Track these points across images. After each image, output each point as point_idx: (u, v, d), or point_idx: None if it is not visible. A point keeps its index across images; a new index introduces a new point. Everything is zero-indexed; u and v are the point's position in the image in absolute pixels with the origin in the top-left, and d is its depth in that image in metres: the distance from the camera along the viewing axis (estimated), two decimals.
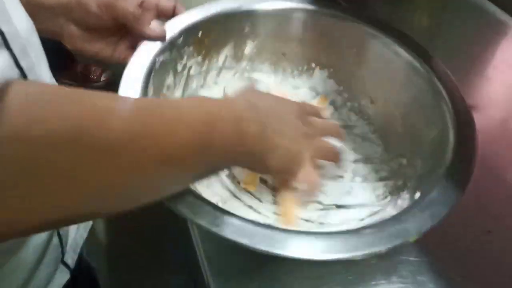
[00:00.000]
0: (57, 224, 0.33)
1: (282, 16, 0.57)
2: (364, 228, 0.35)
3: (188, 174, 0.34)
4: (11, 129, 0.22)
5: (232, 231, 0.33)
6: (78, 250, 0.51)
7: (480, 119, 0.44)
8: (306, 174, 0.42)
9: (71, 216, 0.27)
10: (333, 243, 0.33)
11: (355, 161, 0.52)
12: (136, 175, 0.29)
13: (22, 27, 0.39)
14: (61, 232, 0.47)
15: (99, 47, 0.51)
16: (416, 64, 0.50)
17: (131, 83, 0.43)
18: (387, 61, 0.53)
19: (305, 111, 0.45)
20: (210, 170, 0.37)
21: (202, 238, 0.45)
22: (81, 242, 0.51)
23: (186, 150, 0.31)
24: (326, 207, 0.47)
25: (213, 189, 0.47)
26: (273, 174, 0.45)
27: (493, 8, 0.64)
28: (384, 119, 0.54)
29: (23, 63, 0.38)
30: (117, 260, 1.21)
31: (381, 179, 0.49)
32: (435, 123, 0.45)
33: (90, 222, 0.55)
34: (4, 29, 0.35)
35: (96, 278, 0.65)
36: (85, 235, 0.53)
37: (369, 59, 0.55)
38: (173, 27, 0.51)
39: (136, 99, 0.37)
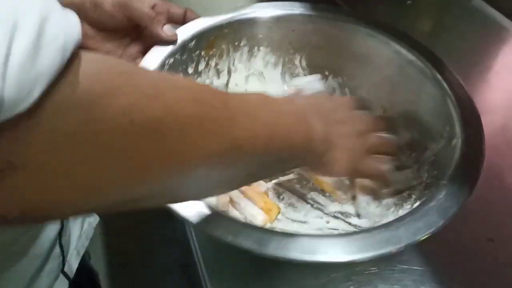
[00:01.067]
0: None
1: (294, 23, 0.57)
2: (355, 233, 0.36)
3: (252, 167, 0.31)
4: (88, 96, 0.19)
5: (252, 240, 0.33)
6: (79, 259, 0.51)
7: (485, 124, 0.44)
8: (371, 167, 0.44)
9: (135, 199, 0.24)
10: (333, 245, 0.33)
11: None
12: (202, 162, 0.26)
13: None
14: (63, 242, 0.47)
15: (109, 48, 0.52)
16: (428, 72, 0.49)
17: None
18: (400, 70, 0.53)
19: (351, 106, 0.45)
20: (274, 166, 0.35)
21: (200, 241, 0.45)
22: (82, 251, 0.51)
23: (252, 139, 0.29)
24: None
25: None
26: (337, 176, 0.46)
27: (495, 14, 0.64)
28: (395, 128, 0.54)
29: None
30: (114, 262, 1.21)
31: (387, 191, 0.48)
32: (443, 134, 0.45)
33: (92, 231, 0.55)
34: None
35: (98, 283, 0.65)
36: (86, 243, 0.53)
37: (383, 67, 0.55)
38: (185, 31, 0.51)
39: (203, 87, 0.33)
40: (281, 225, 0.46)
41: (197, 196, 0.32)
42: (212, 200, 0.46)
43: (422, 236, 0.34)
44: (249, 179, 0.35)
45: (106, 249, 1.24)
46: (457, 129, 0.43)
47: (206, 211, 0.35)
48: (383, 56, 0.54)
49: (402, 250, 0.33)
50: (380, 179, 0.47)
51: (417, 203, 0.38)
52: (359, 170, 0.43)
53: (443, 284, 0.43)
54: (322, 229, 0.45)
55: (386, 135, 0.47)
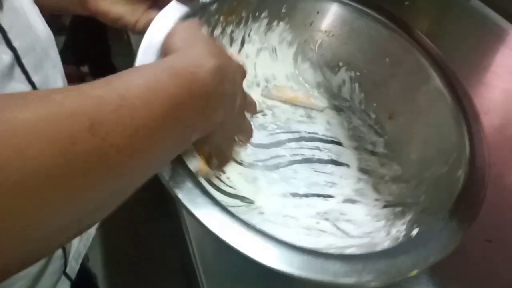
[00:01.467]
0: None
1: (321, 5, 0.55)
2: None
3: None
4: None
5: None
6: (80, 260, 0.50)
7: (483, 125, 0.45)
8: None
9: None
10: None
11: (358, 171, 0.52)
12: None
13: (40, 39, 0.38)
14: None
15: (124, 11, 0.47)
16: (444, 92, 0.49)
17: (149, 48, 0.40)
18: (418, 81, 0.52)
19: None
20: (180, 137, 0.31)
21: (197, 243, 0.44)
22: (83, 252, 0.50)
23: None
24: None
25: None
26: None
27: (493, 15, 0.65)
28: (398, 138, 0.54)
29: (35, 79, 0.37)
30: (112, 264, 1.20)
31: (378, 199, 0.49)
32: (449, 159, 0.45)
33: (93, 232, 0.53)
34: (16, 45, 0.34)
35: (97, 284, 0.65)
36: (88, 244, 0.52)
37: (401, 73, 0.53)
38: None
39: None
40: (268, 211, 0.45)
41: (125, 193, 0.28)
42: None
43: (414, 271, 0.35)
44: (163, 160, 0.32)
45: (104, 250, 1.22)
46: (464, 160, 0.43)
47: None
48: (405, 64, 0.53)
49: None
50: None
51: (415, 230, 0.39)
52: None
53: (440, 286, 0.43)
54: (310, 229, 0.45)
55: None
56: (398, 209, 0.46)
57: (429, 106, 0.51)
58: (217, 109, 0.33)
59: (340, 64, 0.58)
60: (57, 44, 0.43)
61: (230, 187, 0.46)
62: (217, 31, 0.51)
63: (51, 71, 0.40)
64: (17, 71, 0.35)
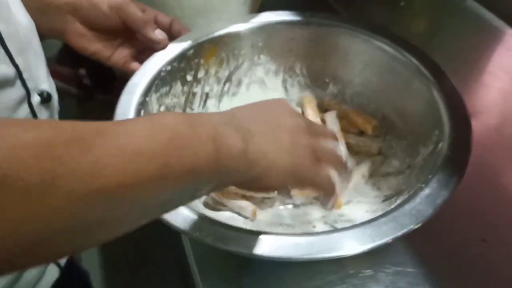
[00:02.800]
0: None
1: (293, 31, 0.59)
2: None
3: (142, 209, 0.26)
4: None
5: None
6: None
7: (476, 126, 0.44)
8: (319, 178, 0.36)
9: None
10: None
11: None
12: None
13: (22, 27, 0.41)
14: None
15: (98, 48, 0.54)
16: (422, 77, 0.50)
17: (133, 89, 0.46)
18: (397, 76, 0.53)
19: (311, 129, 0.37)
20: (180, 196, 0.28)
21: (193, 244, 0.46)
22: None
23: (138, 184, 0.23)
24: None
25: None
26: (273, 189, 0.37)
27: (489, 15, 0.64)
28: (389, 135, 0.54)
29: (18, 61, 0.39)
30: (109, 265, 1.24)
31: (377, 196, 0.49)
32: (433, 138, 0.45)
33: None
34: (1, 27, 0.36)
35: (89, 282, 0.66)
36: None
37: (382, 73, 0.55)
38: (184, 40, 0.54)
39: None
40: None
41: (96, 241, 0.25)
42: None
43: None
44: (149, 216, 0.27)
45: (100, 251, 1.26)
46: (446, 133, 0.43)
47: (193, 216, 0.37)
48: (381, 62, 0.54)
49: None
50: (329, 193, 0.38)
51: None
52: (304, 180, 0.35)
53: (437, 286, 0.42)
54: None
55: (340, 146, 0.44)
56: (393, 199, 0.45)
57: (412, 95, 0.51)
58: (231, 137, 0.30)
59: (327, 80, 0.60)
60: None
61: (224, 205, 0.49)
62: (201, 74, 0.56)
63: (33, 58, 0.42)
64: (1, 52, 0.36)
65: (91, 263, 1.20)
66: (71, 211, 0.21)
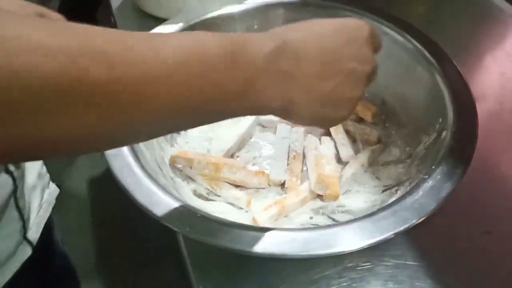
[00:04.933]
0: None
1: (289, 11, 0.56)
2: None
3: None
4: None
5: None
6: (42, 225, 0.51)
7: (479, 111, 0.42)
8: None
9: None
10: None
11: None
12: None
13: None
14: (20, 205, 0.47)
15: None
16: (425, 62, 0.47)
17: None
18: (398, 61, 0.51)
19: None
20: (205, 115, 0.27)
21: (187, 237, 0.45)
22: (46, 216, 0.52)
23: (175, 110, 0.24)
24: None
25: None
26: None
27: None
28: (389, 122, 0.52)
29: None
30: (107, 255, 1.22)
31: (377, 186, 0.47)
32: (436, 126, 0.43)
33: (54, 201, 0.55)
34: None
35: (69, 263, 0.65)
36: (47, 214, 0.52)
37: (382, 57, 0.52)
38: (174, 23, 0.51)
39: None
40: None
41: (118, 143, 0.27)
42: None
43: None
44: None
45: (98, 240, 1.24)
46: (449, 121, 0.41)
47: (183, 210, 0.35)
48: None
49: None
50: None
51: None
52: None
53: (438, 280, 0.40)
54: (304, 224, 0.44)
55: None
56: (393, 189, 0.44)
57: (414, 81, 0.49)
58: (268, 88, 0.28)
59: None
60: None
61: (218, 196, 0.47)
62: None
63: None
64: None
65: (90, 252, 1.18)
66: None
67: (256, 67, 0.27)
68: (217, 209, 0.45)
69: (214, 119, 0.28)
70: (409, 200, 0.35)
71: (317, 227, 0.34)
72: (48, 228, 0.53)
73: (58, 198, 0.55)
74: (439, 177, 0.36)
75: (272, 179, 0.48)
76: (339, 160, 0.51)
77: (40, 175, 0.51)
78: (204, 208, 0.45)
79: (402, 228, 0.33)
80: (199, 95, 0.25)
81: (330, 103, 0.31)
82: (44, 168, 0.54)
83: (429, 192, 0.35)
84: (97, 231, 1.24)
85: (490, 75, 0.58)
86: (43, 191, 0.52)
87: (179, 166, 0.48)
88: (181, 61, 0.24)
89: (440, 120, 0.42)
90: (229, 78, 0.26)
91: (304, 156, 0.51)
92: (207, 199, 0.47)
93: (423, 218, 0.33)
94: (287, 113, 0.30)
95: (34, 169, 0.50)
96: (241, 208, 0.46)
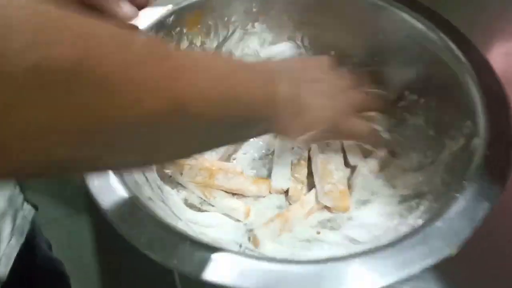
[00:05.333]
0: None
1: None
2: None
3: (204, 131, 0.26)
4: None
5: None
6: (13, 257, 0.45)
7: None
8: (356, 126, 0.40)
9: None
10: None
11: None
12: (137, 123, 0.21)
13: None
14: None
15: None
16: (448, 52, 0.41)
17: None
18: (417, 50, 0.44)
19: (327, 65, 0.41)
20: (232, 132, 0.29)
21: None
22: (13, 254, 0.45)
23: (200, 96, 0.24)
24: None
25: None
26: (313, 140, 0.42)
27: None
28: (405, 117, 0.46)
29: None
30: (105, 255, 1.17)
31: (393, 195, 0.41)
32: (463, 130, 0.37)
33: (28, 225, 0.49)
34: None
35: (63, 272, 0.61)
36: (23, 237, 0.47)
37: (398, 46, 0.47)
38: (162, 4, 0.44)
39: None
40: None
41: (136, 164, 0.26)
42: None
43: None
44: (204, 146, 0.30)
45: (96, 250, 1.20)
46: (481, 126, 0.35)
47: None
48: (399, 33, 0.46)
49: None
50: (367, 140, 0.43)
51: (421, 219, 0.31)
52: (342, 131, 0.39)
53: (446, 279, 0.36)
54: (310, 240, 0.38)
55: (372, 90, 0.43)
56: (413, 202, 0.38)
57: (436, 74, 0.43)
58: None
59: (332, 53, 0.51)
60: None
61: (212, 205, 0.42)
62: (184, 45, 0.47)
63: None
64: None
65: (89, 253, 1.13)
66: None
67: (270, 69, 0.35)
68: (211, 221, 0.40)
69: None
70: (440, 224, 0.29)
71: (330, 258, 0.28)
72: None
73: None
74: (473, 195, 0.31)
75: (274, 187, 0.42)
76: (346, 163, 0.45)
77: (10, 199, 0.46)
78: (196, 220, 0.39)
79: (433, 262, 0.27)
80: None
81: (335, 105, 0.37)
82: (17, 188, 0.48)
83: (463, 213, 0.30)
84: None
85: None
86: (15, 216, 0.46)
87: (168, 171, 0.42)
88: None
89: (469, 122, 0.37)
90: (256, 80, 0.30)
91: (309, 159, 0.45)
92: (199, 210, 0.41)
93: (459, 248, 0.28)
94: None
95: (2, 194, 0.44)
96: (238, 220, 0.40)
